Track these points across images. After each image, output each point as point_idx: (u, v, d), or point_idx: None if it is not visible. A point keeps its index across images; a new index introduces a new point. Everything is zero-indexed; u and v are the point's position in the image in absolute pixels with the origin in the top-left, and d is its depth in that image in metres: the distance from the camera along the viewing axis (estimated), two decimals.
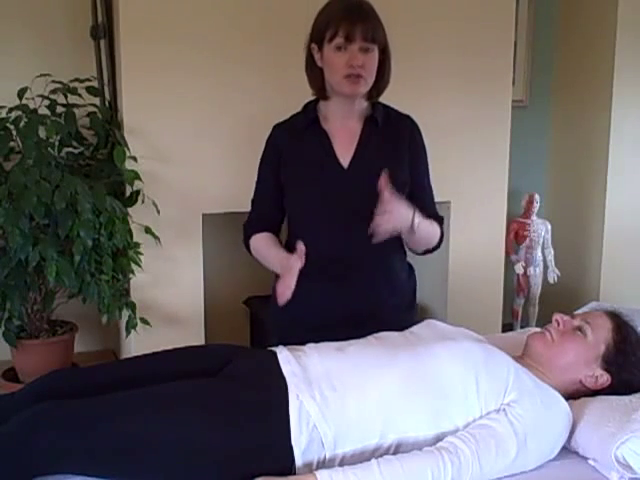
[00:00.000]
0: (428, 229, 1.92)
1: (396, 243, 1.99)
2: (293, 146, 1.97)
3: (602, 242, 3.61)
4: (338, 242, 1.94)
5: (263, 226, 2.04)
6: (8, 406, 1.54)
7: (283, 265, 1.80)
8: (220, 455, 1.41)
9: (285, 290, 1.74)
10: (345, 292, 1.95)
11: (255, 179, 2.07)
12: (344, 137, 1.95)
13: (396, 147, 1.98)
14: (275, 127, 2.03)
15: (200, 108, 2.67)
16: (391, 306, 1.99)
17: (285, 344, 1.74)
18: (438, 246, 2.04)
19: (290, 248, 2.02)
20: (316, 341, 1.74)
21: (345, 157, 1.93)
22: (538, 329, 1.84)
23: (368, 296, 1.95)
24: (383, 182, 1.72)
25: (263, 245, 2.02)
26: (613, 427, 1.52)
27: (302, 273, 1.96)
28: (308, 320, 1.97)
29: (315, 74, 1.92)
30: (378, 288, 1.97)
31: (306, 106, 2.01)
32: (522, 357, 1.73)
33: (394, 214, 1.74)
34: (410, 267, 2.10)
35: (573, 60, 3.70)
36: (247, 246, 2.08)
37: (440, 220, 2.03)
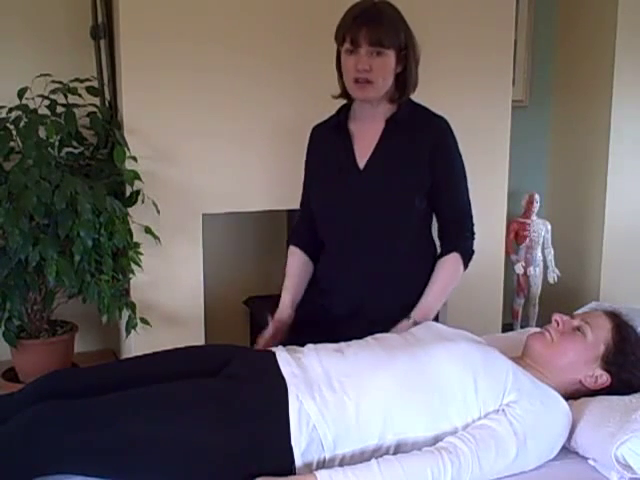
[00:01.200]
0: (438, 298, 1.97)
1: (412, 245, 1.99)
2: (320, 146, 2.04)
3: (602, 242, 3.61)
4: (353, 242, 1.94)
5: (305, 229, 2.08)
6: (8, 406, 1.54)
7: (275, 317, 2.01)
8: (220, 455, 1.42)
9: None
10: (359, 291, 1.95)
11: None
12: (366, 138, 1.96)
13: (416, 148, 1.94)
14: (313, 128, 2.09)
15: (200, 108, 2.67)
16: (403, 306, 1.98)
17: (286, 344, 1.74)
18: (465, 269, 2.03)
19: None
20: (318, 341, 1.74)
21: (363, 158, 1.95)
22: (538, 329, 1.84)
23: (382, 295, 1.95)
24: None
25: (291, 267, 2.10)
26: (613, 427, 1.52)
27: (321, 269, 1.99)
28: (311, 320, 1.98)
29: (341, 75, 1.96)
30: (391, 287, 1.96)
31: (341, 108, 2.04)
32: (522, 357, 1.73)
33: None
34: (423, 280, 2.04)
35: (573, 60, 3.70)
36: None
37: (460, 243, 1.99)
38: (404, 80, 1.92)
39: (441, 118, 1.99)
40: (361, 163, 1.94)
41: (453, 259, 1.98)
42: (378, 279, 1.97)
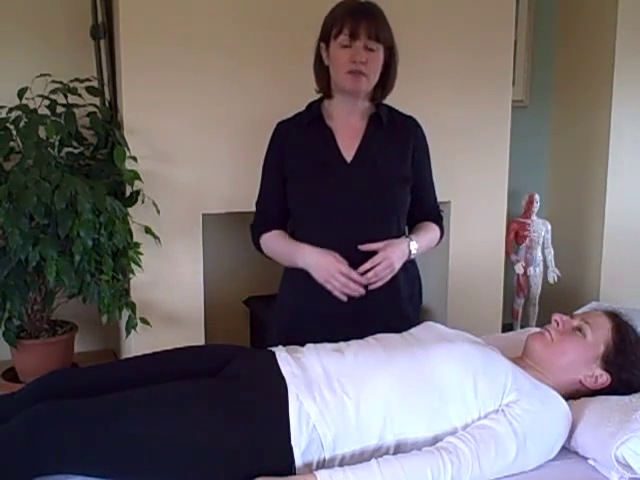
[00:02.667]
0: (428, 243, 2.04)
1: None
2: (297, 141, 2.00)
3: (602, 242, 3.61)
4: (340, 237, 1.94)
5: (271, 225, 2.05)
6: (8, 406, 1.54)
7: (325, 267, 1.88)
8: (220, 455, 1.42)
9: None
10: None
11: (257, 178, 2.07)
12: (348, 133, 1.97)
13: (400, 145, 2.00)
14: (279, 124, 2.07)
15: (200, 108, 2.67)
16: (393, 304, 2.00)
17: (287, 344, 1.74)
18: (438, 243, 2.12)
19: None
20: (318, 341, 1.74)
21: (349, 152, 1.96)
22: (538, 329, 1.84)
23: (371, 297, 1.95)
24: (366, 247, 1.87)
25: (277, 241, 2.03)
26: (613, 427, 1.52)
27: (304, 273, 1.98)
28: (311, 319, 1.97)
29: (322, 72, 1.97)
30: (381, 289, 1.96)
31: (310, 105, 2.04)
32: (522, 358, 1.73)
33: (391, 260, 1.87)
34: (416, 271, 2.11)
35: (573, 60, 3.70)
36: (257, 246, 2.10)
37: (439, 219, 2.10)
38: (386, 79, 1.95)
39: (413, 117, 2.07)
40: (348, 156, 1.95)
41: (436, 227, 2.09)
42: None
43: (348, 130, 1.97)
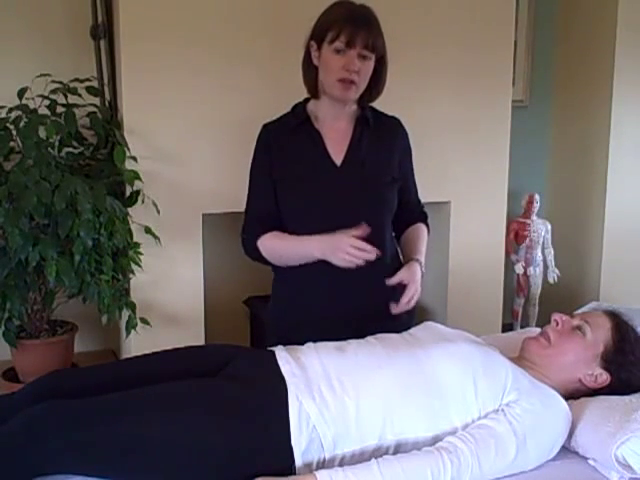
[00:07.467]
0: (425, 250, 2.07)
1: (390, 244, 2.02)
2: (285, 144, 1.98)
3: (602, 242, 3.61)
4: None
5: (267, 227, 1.98)
6: (8, 406, 1.54)
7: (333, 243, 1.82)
8: (220, 455, 1.42)
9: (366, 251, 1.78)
10: (342, 291, 1.94)
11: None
12: (336, 137, 1.97)
13: (387, 147, 2.00)
14: (265, 126, 2.04)
15: (200, 108, 2.67)
16: (388, 305, 1.99)
17: (284, 344, 1.74)
18: None
19: None
20: (315, 341, 1.74)
21: (338, 155, 1.95)
22: (538, 329, 1.84)
23: (365, 295, 1.95)
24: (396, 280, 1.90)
25: (283, 239, 1.96)
26: (613, 427, 1.52)
27: (299, 271, 1.97)
28: (307, 319, 1.97)
29: (310, 71, 1.95)
30: (375, 287, 1.96)
31: (295, 107, 2.03)
32: (519, 358, 1.73)
33: (418, 287, 1.92)
34: None
35: (573, 60, 3.70)
36: (251, 250, 2.02)
37: (425, 216, 2.15)
38: (375, 86, 1.94)
39: (397, 118, 2.07)
40: (337, 160, 1.95)
41: (424, 226, 2.13)
42: (372, 277, 1.95)
43: (335, 133, 1.96)
